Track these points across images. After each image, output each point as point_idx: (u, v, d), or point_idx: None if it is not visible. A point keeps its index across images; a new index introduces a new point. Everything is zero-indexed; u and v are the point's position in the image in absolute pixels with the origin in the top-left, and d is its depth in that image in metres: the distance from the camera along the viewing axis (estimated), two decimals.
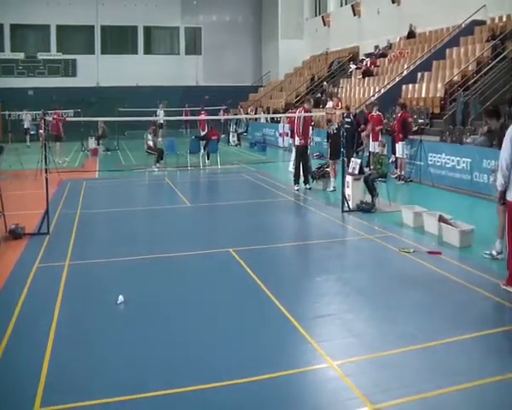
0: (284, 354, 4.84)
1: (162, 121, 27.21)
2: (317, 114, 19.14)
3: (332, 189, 13.12)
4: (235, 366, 4.63)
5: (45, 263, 7.66)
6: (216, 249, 8.27)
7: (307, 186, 13.46)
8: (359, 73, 24.26)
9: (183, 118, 24.68)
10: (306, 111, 13.56)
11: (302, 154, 13.46)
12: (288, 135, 22.47)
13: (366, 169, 13.01)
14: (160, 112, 27.45)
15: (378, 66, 23.42)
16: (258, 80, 37.39)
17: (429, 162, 13.76)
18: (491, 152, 11.87)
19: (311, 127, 13.85)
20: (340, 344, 5.05)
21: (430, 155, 13.82)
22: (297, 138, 13.52)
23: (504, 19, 18.24)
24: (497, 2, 18.70)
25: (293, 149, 16.97)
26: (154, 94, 32.06)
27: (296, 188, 13.34)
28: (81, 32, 34.74)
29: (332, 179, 13.34)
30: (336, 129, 13.32)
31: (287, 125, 22.57)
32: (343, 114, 12.97)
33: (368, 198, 11.11)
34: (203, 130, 22.61)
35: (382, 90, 20.16)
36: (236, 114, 28.09)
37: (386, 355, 4.79)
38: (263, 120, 27.78)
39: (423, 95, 18.02)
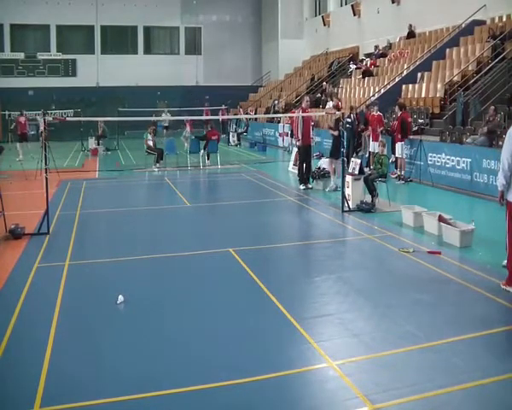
0: (284, 354, 4.85)
1: (167, 124, 27.49)
2: (318, 113, 19.15)
3: (329, 188, 13.14)
4: (235, 366, 4.63)
5: (45, 263, 7.66)
6: (216, 249, 8.27)
7: (309, 186, 13.48)
8: (359, 73, 24.26)
9: (204, 117, 24.63)
10: (304, 110, 13.58)
11: (305, 153, 13.48)
12: (287, 135, 22.54)
13: (366, 169, 13.02)
14: (165, 115, 27.68)
15: (378, 66, 23.42)
16: (258, 80, 37.39)
17: (429, 162, 13.76)
18: (491, 152, 11.89)
19: (311, 126, 13.86)
20: (339, 344, 5.06)
21: (430, 155, 13.83)
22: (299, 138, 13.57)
23: (504, 19, 18.23)
24: (497, 2, 18.69)
25: (294, 149, 17.03)
26: (154, 94, 32.12)
27: (302, 187, 13.38)
28: (81, 31, 34.74)
29: (332, 178, 13.38)
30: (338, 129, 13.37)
31: (286, 126, 22.60)
32: (343, 114, 12.97)
33: (368, 198, 11.11)
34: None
35: (382, 91, 20.16)
36: (236, 114, 28.10)
37: (386, 355, 4.79)
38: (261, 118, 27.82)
39: (423, 95, 18.03)
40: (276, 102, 27.99)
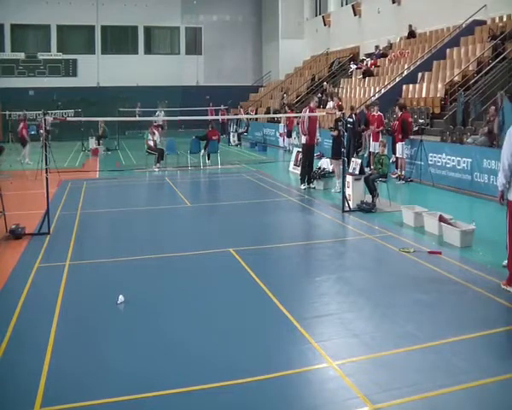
0: (284, 354, 4.85)
1: (161, 122, 27.30)
2: (318, 114, 19.12)
3: (334, 190, 13.12)
4: (235, 366, 4.63)
5: (46, 263, 7.67)
6: (216, 249, 8.28)
7: (311, 186, 13.49)
8: (360, 73, 24.25)
9: (209, 117, 24.54)
10: (312, 110, 13.55)
11: (308, 153, 13.49)
12: (286, 135, 22.60)
13: (367, 169, 13.02)
14: (160, 113, 27.46)
15: (378, 66, 23.41)
16: (259, 80, 37.39)
17: (430, 162, 13.76)
18: (492, 152, 11.89)
19: (317, 126, 13.86)
20: (340, 344, 5.06)
21: (430, 155, 13.82)
22: (303, 137, 13.55)
23: (505, 19, 18.22)
24: (497, 2, 18.67)
25: (294, 150, 17.03)
26: (155, 94, 32.09)
27: (303, 187, 13.40)
28: (81, 31, 34.77)
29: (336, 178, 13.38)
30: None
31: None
32: (343, 114, 12.96)
33: (368, 198, 11.11)
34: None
35: (383, 91, 20.15)
36: (237, 114, 28.10)
37: (387, 355, 4.79)
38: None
39: (424, 95, 18.02)
40: (285, 95, 28.07)
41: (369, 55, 25.60)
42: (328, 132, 14.96)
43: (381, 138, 14.05)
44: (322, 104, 22.84)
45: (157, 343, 5.11)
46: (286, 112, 21.42)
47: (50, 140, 25.98)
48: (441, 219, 8.62)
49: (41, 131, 20.49)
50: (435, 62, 19.04)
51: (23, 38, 33.73)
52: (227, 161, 19.16)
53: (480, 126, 13.73)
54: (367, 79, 22.87)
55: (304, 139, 13.51)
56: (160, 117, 25.90)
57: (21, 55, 33.21)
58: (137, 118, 25.73)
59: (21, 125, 20.61)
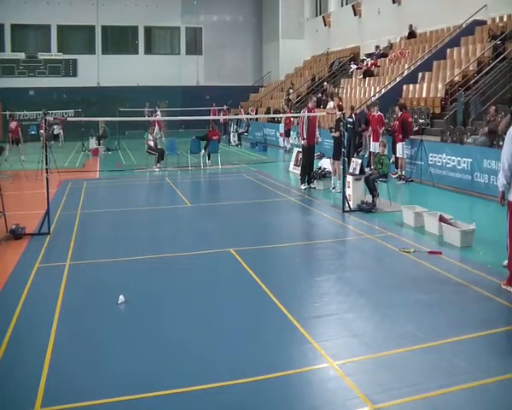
0: (285, 354, 4.84)
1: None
2: (318, 114, 19.13)
3: (332, 186, 13.15)
4: (235, 366, 4.62)
5: (46, 263, 7.66)
6: (216, 249, 8.27)
7: (311, 186, 13.49)
8: (360, 73, 24.26)
9: (209, 117, 24.46)
10: (310, 110, 13.55)
11: (308, 153, 13.49)
12: (284, 135, 22.60)
13: (367, 169, 13.01)
14: (157, 113, 27.48)
15: (379, 66, 23.41)
16: (259, 80, 37.39)
17: (430, 162, 13.76)
18: (492, 152, 11.89)
19: (317, 126, 13.86)
20: (340, 344, 5.05)
21: (431, 155, 13.82)
22: (301, 139, 13.56)
23: (505, 19, 18.22)
24: (497, 2, 18.67)
25: (295, 150, 17.03)
26: (155, 94, 32.13)
27: (303, 187, 13.41)
28: (82, 31, 34.80)
29: (332, 178, 13.38)
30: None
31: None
32: (344, 114, 12.97)
33: (368, 198, 11.11)
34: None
35: (383, 91, 20.15)
36: (237, 114, 28.10)
37: (387, 355, 4.79)
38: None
39: (424, 95, 18.02)
40: (291, 91, 28.07)
41: (369, 55, 25.60)
42: (329, 132, 14.98)
43: (381, 138, 14.04)
44: (322, 104, 22.88)
45: (157, 343, 5.11)
46: (285, 111, 21.41)
47: (62, 141, 25.91)
48: (441, 219, 8.62)
49: (41, 131, 20.57)
50: (435, 62, 19.04)
51: (23, 38, 33.75)
52: (227, 161, 19.16)
53: (480, 126, 13.72)
54: (367, 79, 22.86)
55: (301, 141, 13.53)
56: (158, 117, 25.91)
57: (21, 55, 33.22)
58: (146, 118, 25.76)
59: (16, 123, 20.79)
